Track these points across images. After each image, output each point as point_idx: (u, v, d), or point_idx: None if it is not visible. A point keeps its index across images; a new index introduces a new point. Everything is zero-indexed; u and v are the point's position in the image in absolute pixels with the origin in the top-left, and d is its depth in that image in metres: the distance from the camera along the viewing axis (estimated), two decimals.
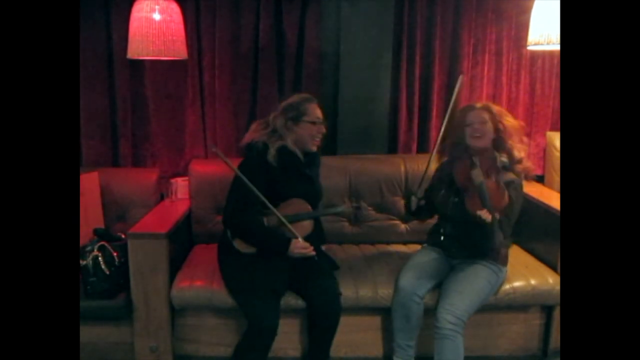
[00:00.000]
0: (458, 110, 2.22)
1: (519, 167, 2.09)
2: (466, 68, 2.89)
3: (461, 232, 2.13)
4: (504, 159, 2.04)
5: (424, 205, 2.23)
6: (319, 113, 2.13)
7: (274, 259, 2.08)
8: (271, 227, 2.08)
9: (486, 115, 2.10)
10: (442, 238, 2.22)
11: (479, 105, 2.15)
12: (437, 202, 2.18)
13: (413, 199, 2.19)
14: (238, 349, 2.04)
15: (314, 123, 2.10)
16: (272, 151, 2.06)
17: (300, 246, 2.05)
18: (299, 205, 2.11)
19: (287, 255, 2.05)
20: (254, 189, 2.00)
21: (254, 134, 2.14)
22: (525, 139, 2.24)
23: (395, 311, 2.15)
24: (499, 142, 2.11)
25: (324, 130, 2.14)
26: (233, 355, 2.06)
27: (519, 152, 2.11)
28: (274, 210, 2.04)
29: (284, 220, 2.05)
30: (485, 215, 1.87)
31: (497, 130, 2.10)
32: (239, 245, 2.12)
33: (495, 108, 2.15)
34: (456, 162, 2.10)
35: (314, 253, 2.07)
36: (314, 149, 2.14)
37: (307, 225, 2.11)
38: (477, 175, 1.91)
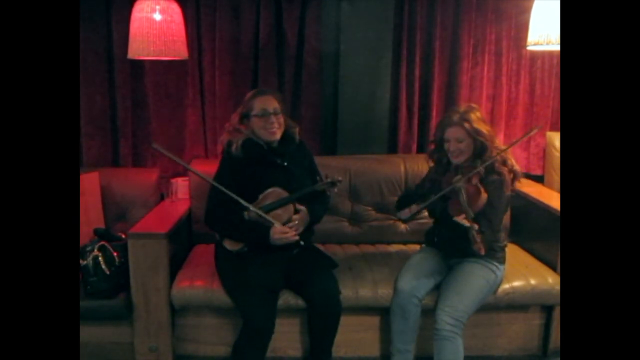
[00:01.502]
0: (443, 116, 2.17)
1: (503, 169, 2.05)
2: (466, 68, 2.89)
3: (452, 232, 2.12)
4: (483, 166, 2.02)
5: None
6: (267, 104, 2.14)
7: (268, 255, 2.10)
8: (252, 220, 2.09)
9: (462, 133, 2.05)
10: (435, 239, 2.23)
11: (455, 118, 2.07)
12: (427, 205, 2.18)
13: (413, 206, 2.17)
14: (235, 347, 2.05)
15: (260, 115, 2.13)
16: (235, 145, 2.14)
17: (278, 231, 2.06)
18: (277, 194, 2.12)
19: (270, 243, 2.05)
20: (213, 182, 2.09)
21: (222, 136, 2.23)
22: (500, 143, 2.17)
23: (394, 314, 2.15)
24: (480, 149, 2.07)
25: (274, 119, 2.14)
26: (232, 354, 2.07)
27: (503, 154, 2.08)
28: (243, 202, 2.05)
29: (255, 210, 2.05)
30: (462, 221, 1.92)
31: (475, 140, 2.05)
32: (228, 244, 2.15)
33: (473, 118, 2.06)
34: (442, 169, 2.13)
35: (296, 238, 2.07)
36: (274, 137, 2.16)
37: (285, 211, 2.11)
38: (458, 181, 1.95)
